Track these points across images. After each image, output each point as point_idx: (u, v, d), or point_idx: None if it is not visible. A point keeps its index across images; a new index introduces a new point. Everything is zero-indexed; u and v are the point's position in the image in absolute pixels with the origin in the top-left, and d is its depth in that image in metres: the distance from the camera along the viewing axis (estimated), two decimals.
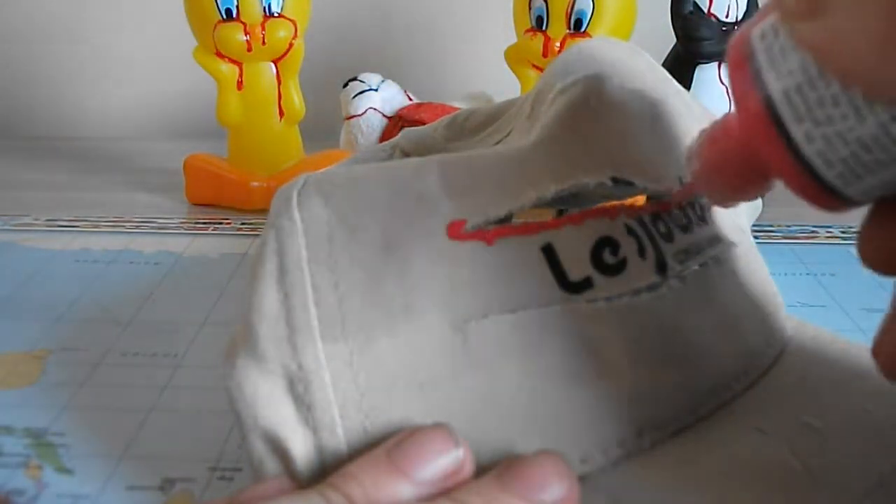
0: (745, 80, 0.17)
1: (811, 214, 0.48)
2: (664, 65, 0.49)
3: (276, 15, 0.48)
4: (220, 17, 0.47)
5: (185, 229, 0.47)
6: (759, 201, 0.36)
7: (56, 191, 0.55)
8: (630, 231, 0.23)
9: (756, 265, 0.27)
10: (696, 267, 0.24)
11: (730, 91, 0.19)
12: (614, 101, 0.24)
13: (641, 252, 0.23)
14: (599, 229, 0.22)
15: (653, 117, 0.25)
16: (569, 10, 0.47)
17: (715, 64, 0.47)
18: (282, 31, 0.48)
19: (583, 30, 0.47)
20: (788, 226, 0.47)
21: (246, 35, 0.47)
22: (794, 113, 0.16)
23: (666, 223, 0.24)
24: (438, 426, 0.20)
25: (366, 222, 0.22)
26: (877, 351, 0.19)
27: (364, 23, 0.69)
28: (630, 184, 0.23)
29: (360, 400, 0.21)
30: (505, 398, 0.21)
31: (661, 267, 0.23)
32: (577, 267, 0.22)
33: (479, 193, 0.22)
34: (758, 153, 0.18)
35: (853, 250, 0.43)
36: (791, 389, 0.24)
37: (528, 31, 0.49)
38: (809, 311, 0.36)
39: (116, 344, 0.34)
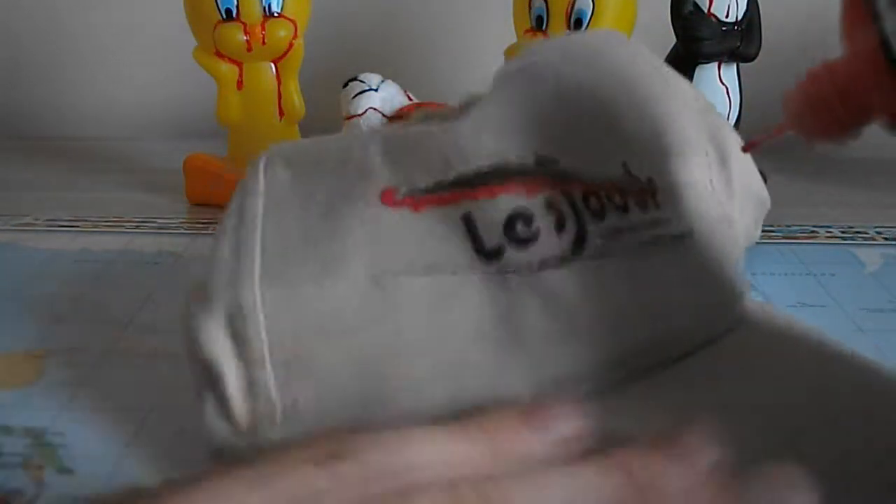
0: (862, 20, 0.19)
1: (811, 215, 0.48)
2: None
3: (276, 15, 0.48)
4: (220, 17, 0.47)
5: (185, 229, 0.47)
6: (766, 195, 0.36)
7: (56, 191, 0.55)
8: (550, 206, 0.24)
9: (714, 254, 0.27)
10: (631, 245, 0.25)
11: (844, 27, 0.21)
12: (555, 87, 0.26)
13: (560, 226, 0.24)
14: (514, 203, 0.24)
15: (604, 104, 0.27)
16: (569, 9, 0.47)
17: (715, 64, 0.47)
18: (282, 31, 0.48)
19: (583, 29, 0.47)
20: (789, 226, 0.47)
21: (246, 35, 0.47)
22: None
23: (601, 201, 0.25)
24: (568, 398, 0.21)
25: (316, 185, 0.25)
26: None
27: (364, 23, 0.69)
28: (556, 162, 0.25)
29: (285, 340, 0.23)
30: (410, 347, 0.23)
31: (579, 242, 0.24)
32: (491, 236, 0.24)
33: (411, 165, 0.24)
34: (860, 81, 0.20)
35: (853, 250, 0.43)
36: (705, 375, 0.25)
37: (527, 30, 0.49)
38: (809, 311, 0.36)
39: (116, 344, 0.34)
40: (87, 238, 0.46)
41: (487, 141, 0.24)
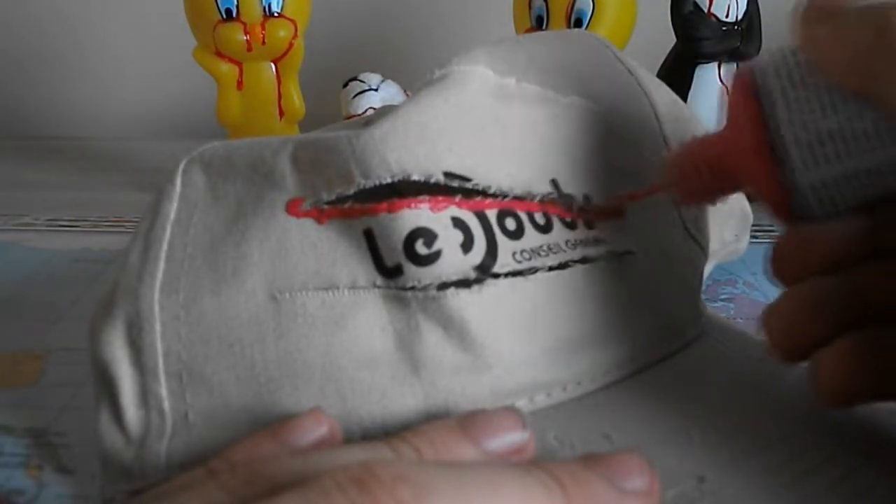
0: (748, 86, 0.21)
1: None
2: (664, 65, 0.49)
3: (276, 15, 0.48)
4: (220, 17, 0.47)
5: None
6: (748, 209, 0.36)
7: (56, 191, 0.55)
8: (458, 224, 0.23)
9: (663, 273, 0.27)
10: (554, 264, 0.24)
11: (731, 100, 0.22)
12: (476, 97, 0.24)
13: (467, 246, 0.23)
14: (415, 220, 0.22)
15: (536, 117, 0.25)
16: (569, 9, 0.47)
17: (715, 64, 0.47)
18: (282, 31, 0.48)
19: (583, 29, 0.47)
20: None
21: (246, 35, 0.47)
22: (783, 102, 0.20)
23: (518, 220, 0.24)
24: (510, 409, 0.21)
25: (228, 190, 0.24)
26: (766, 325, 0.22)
27: (364, 23, 0.69)
28: (467, 180, 0.23)
29: (180, 350, 0.23)
30: (302, 367, 0.22)
31: (489, 262, 0.23)
32: (391, 254, 0.23)
33: (317, 175, 0.23)
34: (733, 159, 0.22)
35: None
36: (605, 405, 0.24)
37: (528, 30, 0.49)
38: None
39: None
40: (87, 238, 0.46)
41: (390, 154, 0.23)
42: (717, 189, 0.23)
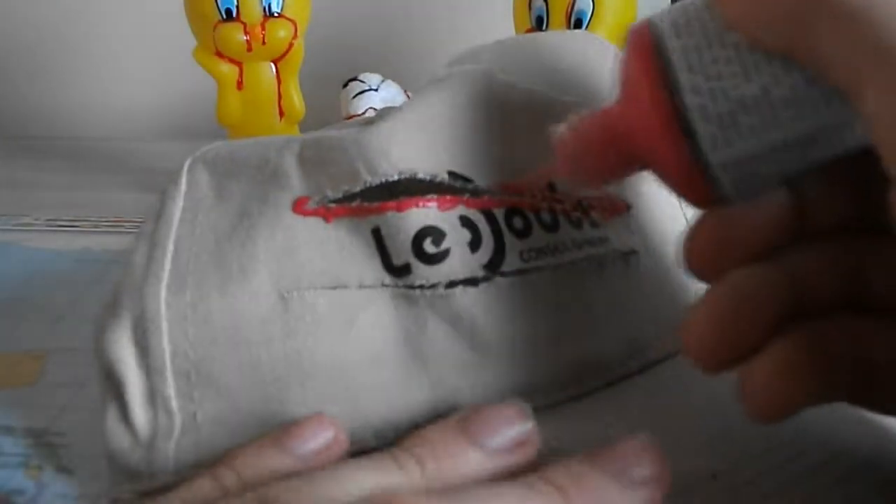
0: (646, 46, 0.18)
1: None
2: None
3: (276, 15, 0.48)
4: (220, 17, 0.47)
5: None
6: None
7: (56, 191, 0.55)
8: (466, 223, 0.23)
9: (666, 272, 0.27)
10: (562, 263, 0.24)
11: (625, 63, 0.19)
12: (480, 97, 0.24)
13: (475, 245, 0.23)
14: (423, 219, 0.23)
15: (535, 118, 0.25)
16: (569, 9, 0.47)
17: None
18: (282, 31, 0.48)
19: (583, 30, 0.47)
20: None
21: (246, 35, 0.47)
22: (687, 65, 0.17)
23: (526, 219, 0.24)
24: (511, 403, 0.20)
25: (232, 190, 0.24)
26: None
27: (364, 23, 0.69)
28: (470, 181, 0.23)
29: (187, 350, 0.22)
30: (310, 366, 0.22)
31: (497, 261, 0.23)
32: (399, 252, 0.23)
33: (322, 173, 0.23)
34: (635, 119, 0.18)
35: None
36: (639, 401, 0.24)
37: (528, 30, 0.49)
38: None
39: None
40: (87, 238, 0.46)
41: (396, 152, 0.23)
42: (619, 169, 0.20)
